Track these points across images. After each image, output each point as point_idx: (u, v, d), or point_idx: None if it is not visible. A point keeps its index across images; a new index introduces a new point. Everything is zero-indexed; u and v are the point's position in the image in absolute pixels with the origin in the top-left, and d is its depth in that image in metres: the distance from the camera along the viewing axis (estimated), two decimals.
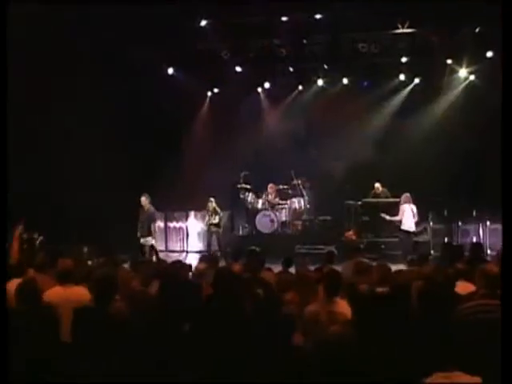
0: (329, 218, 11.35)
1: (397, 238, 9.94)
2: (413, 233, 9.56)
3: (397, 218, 9.63)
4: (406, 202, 9.47)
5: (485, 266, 3.72)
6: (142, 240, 9.08)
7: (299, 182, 11.63)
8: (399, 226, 9.59)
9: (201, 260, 5.50)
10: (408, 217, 9.42)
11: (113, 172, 9.29)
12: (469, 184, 10.78)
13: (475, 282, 3.80)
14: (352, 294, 3.61)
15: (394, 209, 10.02)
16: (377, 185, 11.08)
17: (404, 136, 11.63)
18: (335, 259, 5.80)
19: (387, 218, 9.96)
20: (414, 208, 9.47)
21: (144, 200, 9.21)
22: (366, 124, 12.07)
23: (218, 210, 10.40)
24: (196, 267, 4.87)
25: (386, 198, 10.92)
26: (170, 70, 11.29)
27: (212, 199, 10.26)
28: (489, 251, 9.05)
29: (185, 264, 4.94)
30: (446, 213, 10.86)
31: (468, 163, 11.10)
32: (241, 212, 11.68)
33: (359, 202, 11.25)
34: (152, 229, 9.10)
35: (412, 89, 12.01)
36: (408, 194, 9.58)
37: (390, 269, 4.43)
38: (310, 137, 12.24)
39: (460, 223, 10.81)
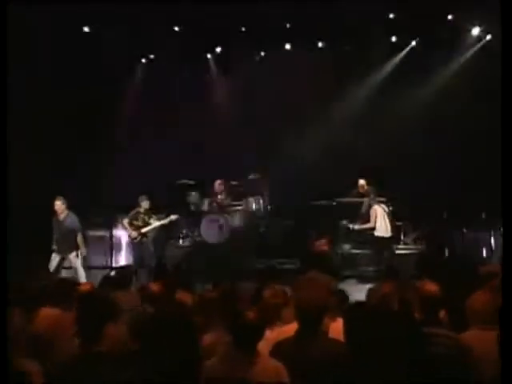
0: (294, 222, 11.48)
1: (370, 249, 10.22)
2: (390, 238, 9.84)
3: (367, 226, 9.89)
4: (375, 203, 9.84)
5: (422, 284, 3.81)
6: (57, 259, 8.97)
7: (258, 176, 11.74)
8: (373, 234, 9.89)
9: (103, 281, 5.50)
10: (381, 219, 9.73)
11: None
12: (477, 177, 10.79)
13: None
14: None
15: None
16: (361, 182, 11.06)
17: (396, 116, 11.69)
18: (286, 275, 6.10)
19: (355, 227, 10.18)
20: (386, 208, 9.86)
21: (59, 205, 9.08)
22: (347, 100, 12.26)
23: (151, 214, 10.29)
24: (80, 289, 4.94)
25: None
26: (86, 29, 10.90)
27: (145, 198, 10.08)
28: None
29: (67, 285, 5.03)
30: (445, 215, 11.09)
31: (476, 149, 11.05)
32: (181, 216, 11.35)
33: (334, 203, 11.39)
34: (79, 241, 9.15)
35: (406, 54, 12.08)
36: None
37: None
38: (275, 117, 12.35)
39: (465, 229, 10.96)
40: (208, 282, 6.26)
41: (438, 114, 11.48)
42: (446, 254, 10.66)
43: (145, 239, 10.26)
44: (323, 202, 11.52)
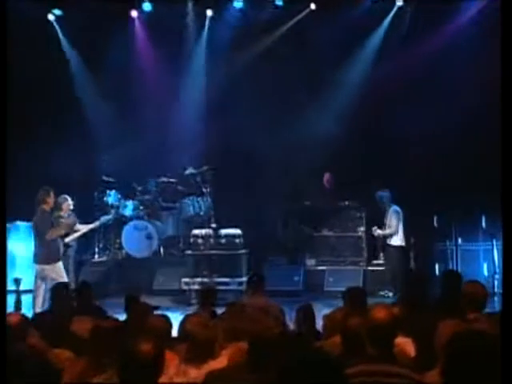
0: (241, 232, 11.19)
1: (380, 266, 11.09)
2: (405, 249, 10.81)
3: (388, 232, 10.79)
4: (389, 202, 10.79)
5: (372, 312, 3.94)
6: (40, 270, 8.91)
7: (197, 171, 11.82)
8: (386, 242, 10.88)
9: None
10: (401, 227, 10.72)
11: None
12: (476, 174, 11.07)
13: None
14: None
15: (355, 217, 11.37)
16: (327, 175, 11.77)
17: (382, 95, 11.99)
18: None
19: (379, 233, 10.92)
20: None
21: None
22: (323, 78, 12.58)
23: (76, 218, 10.27)
24: None
25: (341, 197, 11.73)
26: None
27: (66, 198, 10.02)
28: None
29: None
30: (435, 222, 11.33)
31: (477, 140, 11.37)
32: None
33: (295, 206, 11.83)
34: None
35: (394, 16, 12.42)
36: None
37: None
38: (226, 99, 12.59)
39: (460, 240, 11.26)
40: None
41: (433, 92, 11.90)
42: (437, 270, 11.10)
43: (70, 251, 10.25)
44: (284, 205, 11.89)
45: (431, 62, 11.83)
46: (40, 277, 8.87)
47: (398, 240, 10.74)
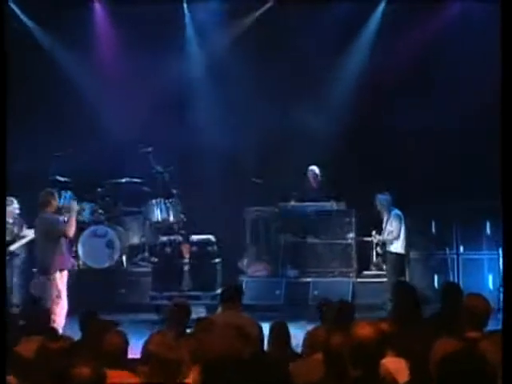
0: (214, 238, 11.36)
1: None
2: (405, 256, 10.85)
3: (390, 237, 10.82)
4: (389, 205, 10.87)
5: (355, 328, 4.03)
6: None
7: (165, 170, 11.85)
8: (382, 248, 11.13)
9: None
10: (403, 232, 10.78)
11: None
12: (480, 174, 11.19)
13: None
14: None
15: (344, 222, 11.44)
16: (312, 171, 11.89)
17: (376, 87, 12.35)
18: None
19: (379, 239, 11.10)
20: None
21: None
22: (308, 69, 12.82)
23: (23, 223, 10.30)
24: None
25: (327, 197, 11.77)
26: None
27: (12, 201, 10.04)
28: None
29: None
30: (433, 228, 11.36)
31: (479, 136, 11.55)
32: None
33: (276, 209, 11.69)
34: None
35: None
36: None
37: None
38: (198, 92, 12.89)
39: (462, 248, 11.32)
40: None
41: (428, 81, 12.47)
42: (435, 282, 11.15)
43: (16, 261, 10.21)
44: (262, 209, 11.77)
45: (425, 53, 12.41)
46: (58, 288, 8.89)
47: (398, 247, 10.77)
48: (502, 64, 5.31)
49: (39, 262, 9.07)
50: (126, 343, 5.00)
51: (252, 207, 12.01)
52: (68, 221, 9.20)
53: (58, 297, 8.80)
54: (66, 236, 9.04)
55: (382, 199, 10.91)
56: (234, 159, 12.60)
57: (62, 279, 8.95)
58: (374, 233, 11.10)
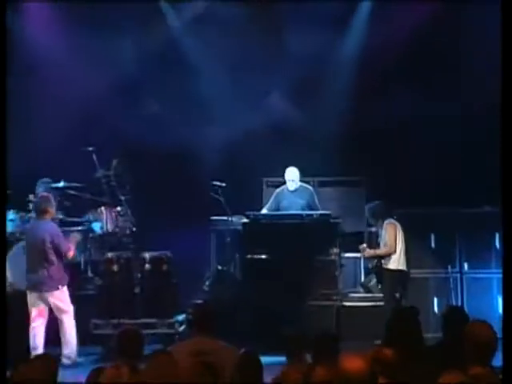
0: (170, 254, 11.41)
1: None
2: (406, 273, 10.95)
3: (384, 250, 10.92)
4: (388, 217, 10.99)
5: (342, 363, 4.18)
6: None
7: (112, 173, 11.76)
8: (379, 265, 10.96)
9: None
10: (401, 242, 10.90)
11: None
12: (487, 178, 11.13)
13: None
14: None
15: (327, 234, 11.38)
16: (290, 172, 11.99)
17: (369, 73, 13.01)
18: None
19: (370, 253, 11.15)
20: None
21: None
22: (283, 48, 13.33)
23: None
24: None
25: (307, 204, 11.90)
26: None
27: None
28: None
29: None
30: (432, 240, 11.56)
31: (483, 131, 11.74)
32: None
33: (244, 220, 11.63)
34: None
35: None
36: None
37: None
38: (149, 82, 13.32)
39: (466, 266, 11.50)
40: None
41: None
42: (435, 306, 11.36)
43: None
44: (229, 218, 11.79)
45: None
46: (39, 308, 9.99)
47: (397, 262, 10.79)
48: (502, 64, 5.81)
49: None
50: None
51: (216, 217, 12.11)
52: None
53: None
54: (66, 256, 10.15)
55: (373, 209, 11.02)
56: (194, 160, 12.86)
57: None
58: (363, 246, 11.19)
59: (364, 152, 12.86)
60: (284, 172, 12.11)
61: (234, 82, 13.07)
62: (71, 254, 10.30)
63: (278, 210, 12.00)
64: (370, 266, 11.42)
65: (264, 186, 13.10)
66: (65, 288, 10.15)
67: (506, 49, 5.84)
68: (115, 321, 10.52)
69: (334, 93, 13.35)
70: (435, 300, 11.24)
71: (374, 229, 11.72)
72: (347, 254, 11.93)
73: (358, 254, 11.76)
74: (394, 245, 10.80)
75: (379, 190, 12.05)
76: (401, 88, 12.52)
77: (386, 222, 10.95)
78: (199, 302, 9.39)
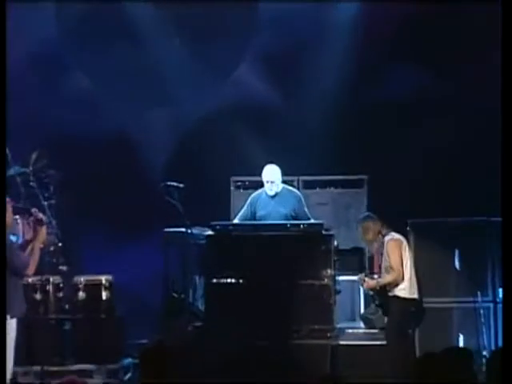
0: (111, 278, 11.51)
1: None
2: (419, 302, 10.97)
3: (386, 279, 10.88)
4: (391, 234, 11.00)
5: None
6: None
7: (31, 170, 11.86)
8: (383, 291, 11.00)
9: None
10: (409, 267, 10.88)
11: None
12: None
13: None
14: None
15: (318, 251, 11.34)
16: (270, 171, 11.98)
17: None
18: None
19: (370, 284, 11.10)
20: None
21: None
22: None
23: None
24: None
25: (293, 213, 11.93)
26: None
27: None
28: None
29: None
30: (456, 260, 11.60)
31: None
32: None
33: (209, 232, 11.64)
34: None
35: None
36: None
37: None
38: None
39: (479, 295, 11.59)
40: None
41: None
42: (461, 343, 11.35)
43: None
44: (188, 231, 11.71)
45: None
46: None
47: (405, 288, 10.70)
48: (503, 64, 6.65)
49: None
50: None
51: (171, 228, 12.03)
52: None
53: None
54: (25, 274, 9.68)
55: (365, 223, 10.95)
56: (141, 152, 13.27)
57: None
58: (362, 276, 11.13)
59: (364, 144, 13.15)
60: (260, 171, 12.09)
61: (192, 53, 13.33)
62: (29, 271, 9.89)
63: (254, 220, 11.90)
64: (371, 292, 11.31)
65: (232, 188, 13.11)
66: None
67: (506, 49, 6.55)
68: (38, 368, 10.43)
69: (323, 69, 13.58)
70: (461, 338, 11.22)
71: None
72: (343, 278, 11.84)
73: (356, 277, 11.60)
74: (400, 269, 10.71)
75: (385, 192, 12.27)
76: (404, 64, 13.11)
77: (387, 237, 10.83)
78: (149, 342, 9.43)
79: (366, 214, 11.23)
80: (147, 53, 13.48)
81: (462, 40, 13.33)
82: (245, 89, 13.70)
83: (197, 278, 12.00)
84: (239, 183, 12.98)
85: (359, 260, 12.18)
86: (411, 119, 13.40)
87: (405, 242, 10.85)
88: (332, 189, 13.18)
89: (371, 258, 12.20)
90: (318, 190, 13.11)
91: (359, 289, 12.14)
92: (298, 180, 12.84)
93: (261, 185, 12.06)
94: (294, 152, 12.73)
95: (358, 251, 12.45)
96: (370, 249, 11.47)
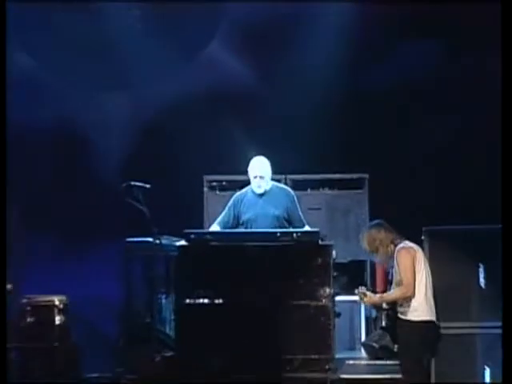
0: (66, 299, 11.59)
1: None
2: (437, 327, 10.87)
3: (393, 295, 10.80)
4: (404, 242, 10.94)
5: None
6: None
7: None
8: (391, 313, 10.87)
9: None
10: (424, 281, 10.72)
11: None
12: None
13: None
14: None
15: (314, 263, 11.19)
16: (258, 166, 12.08)
17: None
18: None
19: (371, 300, 11.00)
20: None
21: None
22: None
23: None
24: None
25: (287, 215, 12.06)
26: None
27: None
28: None
29: None
30: (481, 275, 11.55)
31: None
32: None
33: (181, 242, 11.53)
34: None
35: None
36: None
37: None
38: None
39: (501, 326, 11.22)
40: None
41: None
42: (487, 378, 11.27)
43: None
44: (157, 242, 11.58)
45: None
46: None
47: (418, 309, 10.47)
48: (503, 64, 7.62)
49: None
50: None
51: (135, 238, 12.06)
52: None
53: None
54: None
55: (375, 228, 10.83)
56: (94, 145, 13.54)
57: None
58: (362, 290, 10.92)
59: (365, 135, 13.45)
60: (239, 168, 12.21)
61: (155, 27, 13.59)
62: None
63: (237, 226, 11.80)
64: (375, 314, 11.62)
65: (205, 189, 13.18)
66: None
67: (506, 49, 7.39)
68: None
69: (314, 47, 13.90)
70: (487, 371, 11.03)
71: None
72: (341, 298, 11.79)
73: (356, 298, 11.39)
74: (411, 282, 10.46)
75: (391, 193, 12.34)
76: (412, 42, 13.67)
77: (399, 246, 10.63)
78: (109, 375, 10.14)
79: (377, 221, 10.89)
80: (101, 26, 13.41)
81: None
82: (219, 69, 13.74)
83: (166, 297, 11.91)
84: (214, 183, 12.95)
85: (359, 276, 12.10)
86: (425, 106, 13.60)
87: (420, 252, 10.65)
88: (326, 190, 13.19)
89: (373, 275, 12.21)
90: (309, 191, 13.12)
91: (359, 311, 12.15)
92: (286, 179, 12.80)
93: (240, 186, 12.00)
94: (281, 145, 12.74)
95: (357, 266, 12.38)
96: (378, 262, 11.26)
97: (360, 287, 10.91)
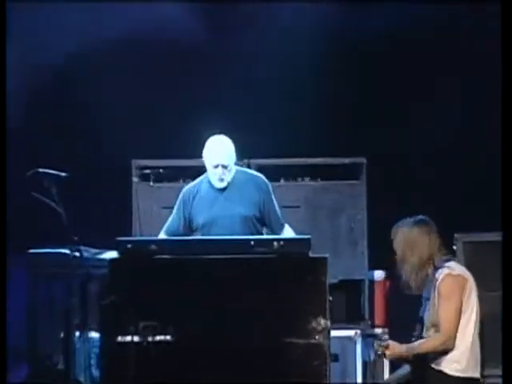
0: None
1: None
2: None
3: (431, 343, 10.71)
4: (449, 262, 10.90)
5: None
6: None
7: None
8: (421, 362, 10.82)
9: None
10: (471, 326, 10.70)
11: None
12: None
13: None
14: None
15: (307, 282, 10.86)
16: (218, 151, 12.21)
17: None
18: None
19: (394, 352, 10.85)
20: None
21: None
22: None
23: None
24: None
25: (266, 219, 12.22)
26: None
27: None
28: None
29: None
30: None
31: None
32: None
33: (111, 254, 11.54)
34: None
35: None
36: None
37: None
38: None
39: None
40: None
41: None
42: None
43: None
44: (85, 254, 11.87)
45: None
46: None
47: (458, 360, 10.32)
48: (503, 64, 9.33)
49: None
50: None
51: (43, 249, 12.30)
52: None
53: None
54: None
55: (418, 226, 10.55)
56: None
57: None
58: (385, 342, 10.75)
59: (359, 107, 14.20)
60: (183, 150, 12.87)
61: None
62: None
63: (191, 233, 11.79)
64: (373, 356, 11.56)
65: (135, 179, 13.23)
66: None
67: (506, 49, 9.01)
68: None
69: None
70: None
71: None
72: (337, 332, 11.80)
73: (352, 333, 11.81)
74: (454, 330, 10.34)
75: (396, 183, 12.71)
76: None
77: (444, 272, 10.36)
78: None
79: (424, 217, 10.54)
80: None
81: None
82: (155, 12, 13.47)
83: (87, 333, 11.87)
84: (147, 171, 12.73)
85: (353, 302, 11.91)
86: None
87: (471, 282, 10.41)
88: (307, 180, 12.96)
89: (371, 299, 12.06)
90: (282, 182, 13.13)
91: (354, 351, 12.29)
92: (249, 164, 12.78)
93: (186, 175, 12.00)
94: (242, 120, 12.78)
95: (351, 287, 12.18)
96: (403, 281, 10.54)
97: (378, 336, 11.14)
